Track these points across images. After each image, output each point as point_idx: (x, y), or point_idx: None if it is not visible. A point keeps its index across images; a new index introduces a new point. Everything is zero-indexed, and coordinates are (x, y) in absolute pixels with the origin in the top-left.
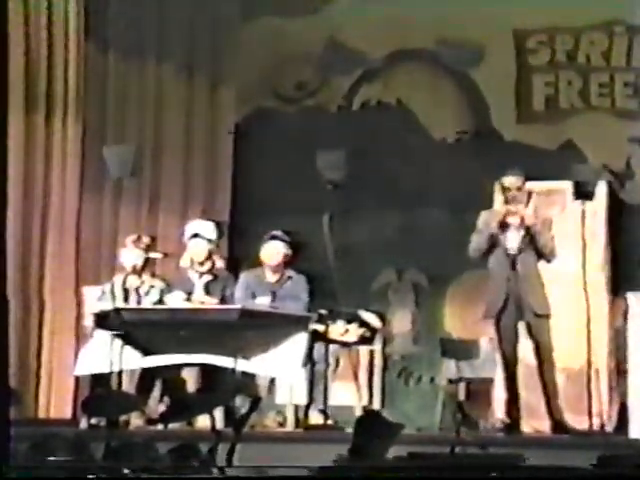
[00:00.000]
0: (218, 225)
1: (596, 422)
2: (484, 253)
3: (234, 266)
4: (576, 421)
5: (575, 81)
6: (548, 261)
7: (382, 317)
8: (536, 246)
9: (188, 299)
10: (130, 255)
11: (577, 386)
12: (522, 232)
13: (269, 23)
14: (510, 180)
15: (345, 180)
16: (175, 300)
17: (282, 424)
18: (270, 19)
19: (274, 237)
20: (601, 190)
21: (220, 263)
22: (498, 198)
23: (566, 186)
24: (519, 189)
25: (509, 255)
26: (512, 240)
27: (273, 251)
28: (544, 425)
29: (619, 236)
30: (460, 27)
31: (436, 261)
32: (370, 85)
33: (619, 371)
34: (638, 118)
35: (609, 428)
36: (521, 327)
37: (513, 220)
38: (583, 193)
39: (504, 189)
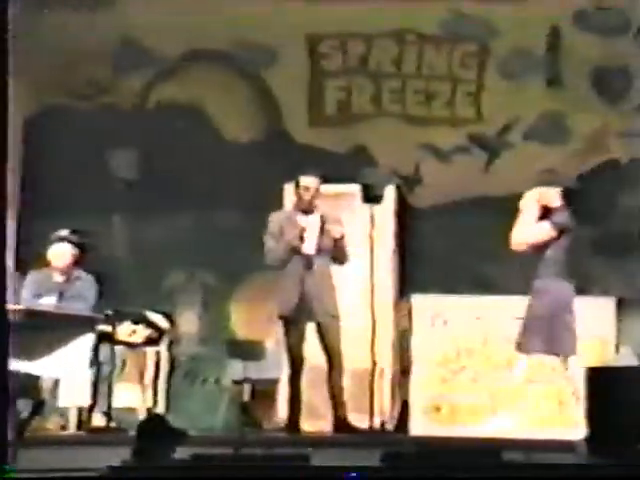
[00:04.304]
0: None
1: (377, 421)
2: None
3: (22, 267)
4: (358, 420)
5: (367, 86)
6: (341, 264)
7: (169, 318)
8: (332, 249)
9: None
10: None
11: (361, 386)
12: (319, 236)
13: (59, 16)
14: (308, 180)
15: (138, 180)
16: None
17: (64, 427)
18: (61, 12)
19: (62, 239)
20: (389, 194)
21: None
22: (290, 199)
23: (355, 189)
24: (317, 190)
25: (304, 255)
26: (309, 243)
27: (60, 253)
28: (325, 425)
29: (407, 239)
30: (253, 29)
31: (225, 261)
32: (164, 84)
33: (403, 370)
34: (428, 124)
35: (390, 426)
36: (310, 328)
37: (310, 223)
38: (372, 197)
39: (301, 189)
